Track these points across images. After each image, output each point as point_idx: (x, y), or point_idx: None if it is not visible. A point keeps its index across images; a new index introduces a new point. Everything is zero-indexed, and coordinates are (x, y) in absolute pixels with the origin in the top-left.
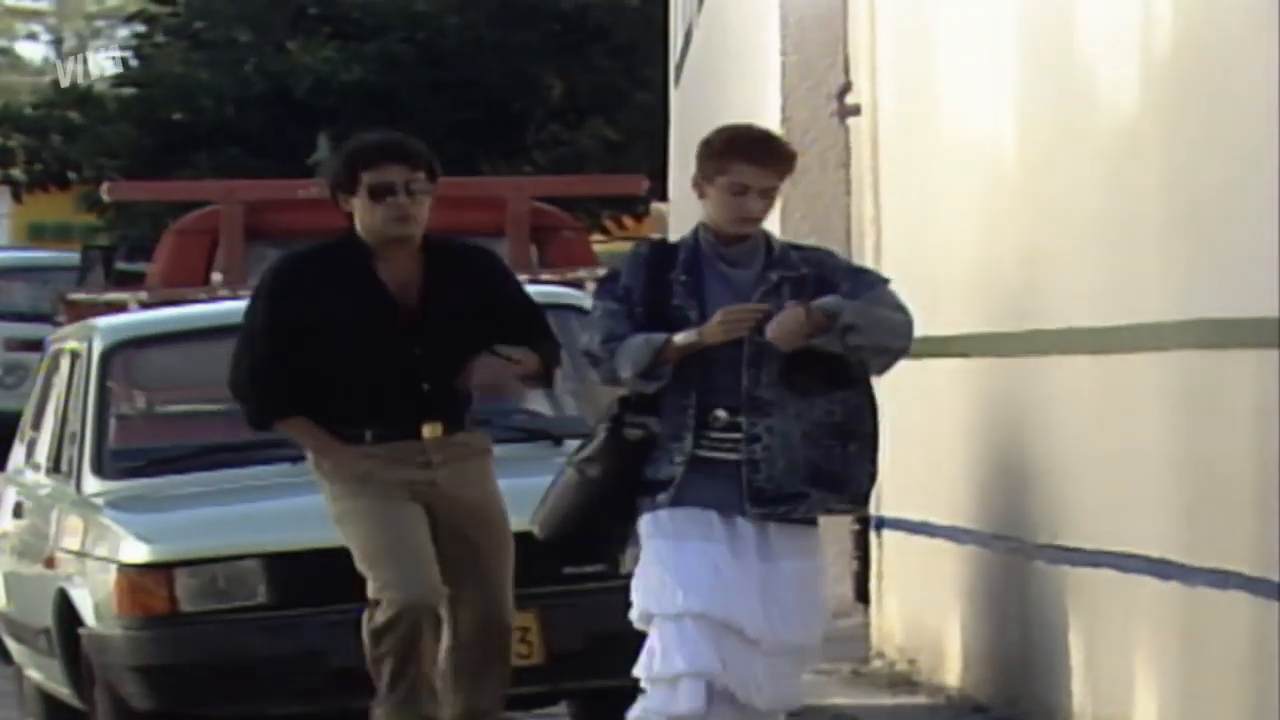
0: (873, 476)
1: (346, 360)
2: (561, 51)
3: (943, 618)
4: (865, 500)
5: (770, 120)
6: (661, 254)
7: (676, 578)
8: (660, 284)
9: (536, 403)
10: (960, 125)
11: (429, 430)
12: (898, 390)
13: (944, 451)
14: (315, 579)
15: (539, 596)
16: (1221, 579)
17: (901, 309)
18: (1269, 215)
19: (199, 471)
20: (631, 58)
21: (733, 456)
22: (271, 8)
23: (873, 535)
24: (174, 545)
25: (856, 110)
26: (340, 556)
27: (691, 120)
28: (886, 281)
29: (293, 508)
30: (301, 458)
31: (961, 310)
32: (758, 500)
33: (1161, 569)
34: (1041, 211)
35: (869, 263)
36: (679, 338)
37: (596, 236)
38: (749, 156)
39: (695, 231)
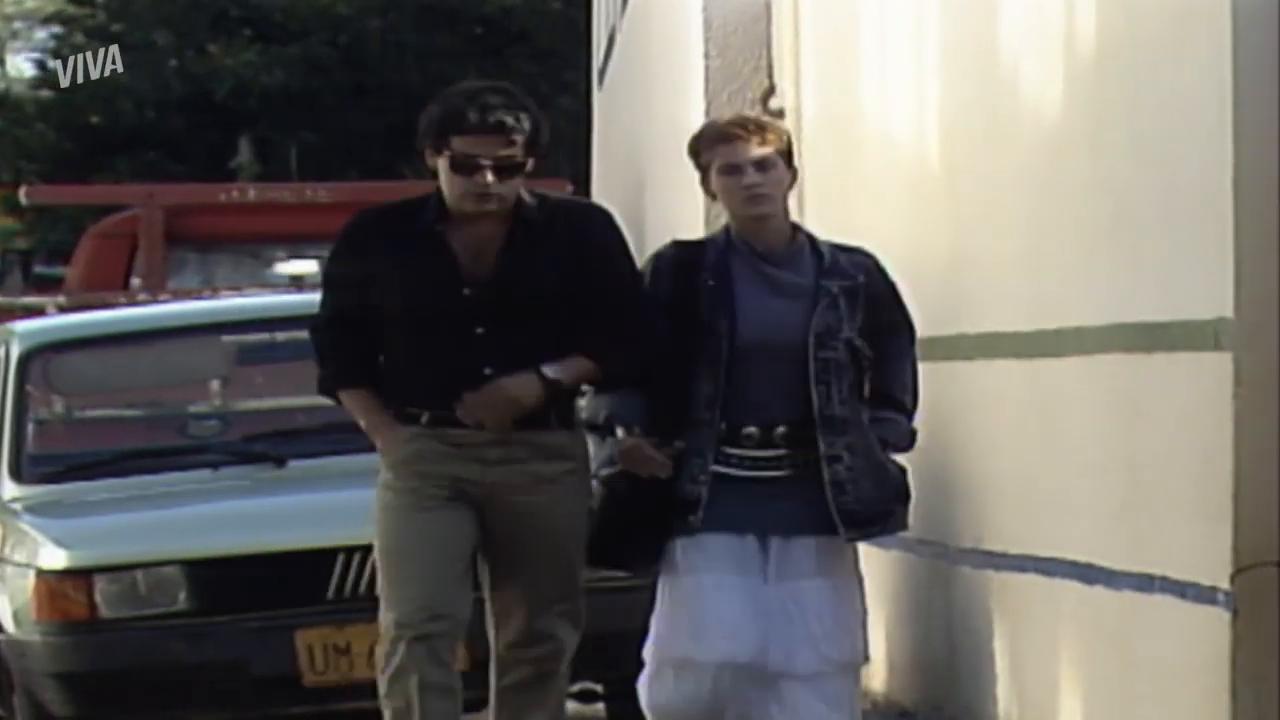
0: None
1: (403, 332)
2: (484, 55)
3: (868, 623)
4: None
5: (694, 124)
6: (689, 255)
7: (704, 620)
8: (688, 289)
9: None
10: (884, 129)
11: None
12: None
13: None
14: (237, 586)
15: None
16: (1147, 583)
17: (913, 367)
18: (1194, 218)
19: (119, 477)
20: (554, 61)
21: (772, 473)
22: (192, 10)
23: None
24: (93, 551)
25: (780, 114)
26: (262, 563)
27: (615, 124)
28: (910, 335)
29: (214, 513)
30: (225, 463)
31: None
32: (851, 523)
33: (1086, 573)
34: (965, 215)
35: None
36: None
37: None
38: (724, 136)
39: (725, 229)
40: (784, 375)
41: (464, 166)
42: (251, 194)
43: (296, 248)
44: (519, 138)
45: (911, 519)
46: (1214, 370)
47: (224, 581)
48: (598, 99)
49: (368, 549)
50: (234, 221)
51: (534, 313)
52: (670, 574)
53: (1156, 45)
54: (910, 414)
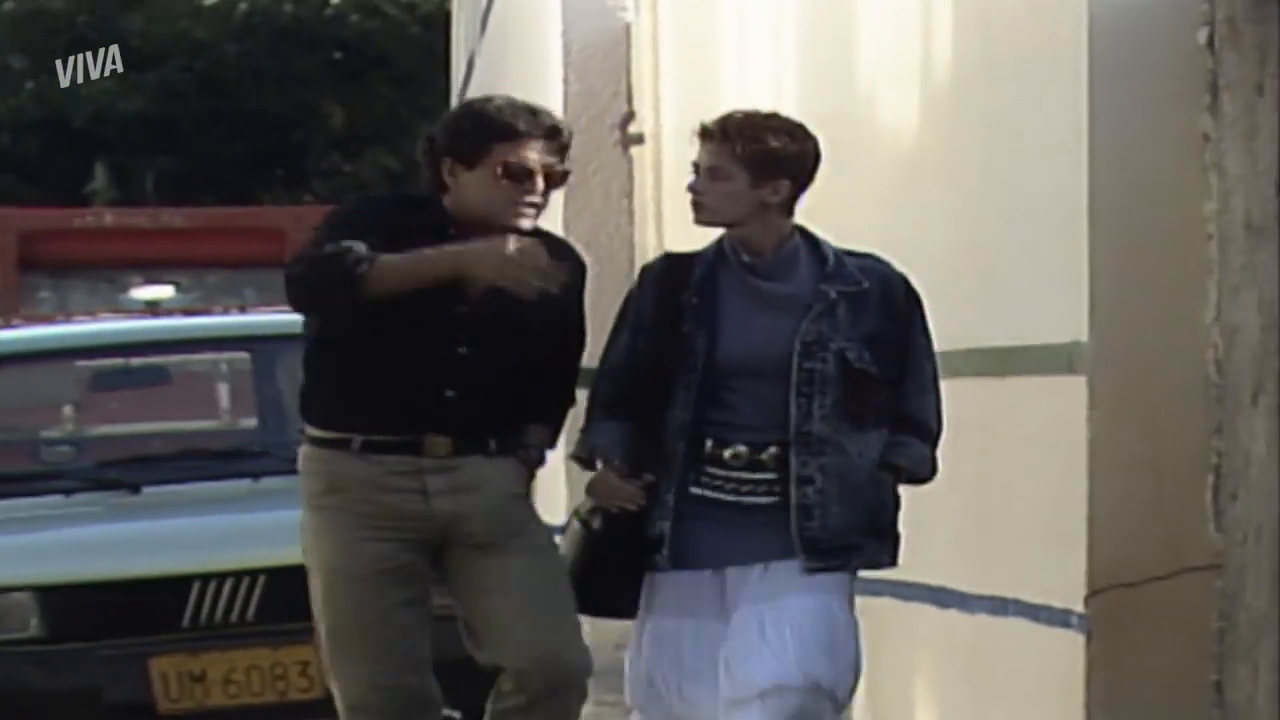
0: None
1: (367, 341)
2: (342, 80)
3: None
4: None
5: None
6: (676, 269)
7: (655, 673)
8: (670, 306)
9: None
10: None
11: (431, 445)
12: None
13: None
14: (91, 612)
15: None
16: (1001, 606)
17: (936, 394)
18: (1049, 243)
19: None
20: (413, 86)
21: (757, 500)
22: (50, 35)
23: None
24: None
25: (640, 139)
26: (116, 590)
27: None
28: (930, 354)
29: (68, 539)
30: (78, 489)
31: None
32: (813, 552)
33: (941, 597)
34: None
35: None
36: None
37: None
38: (700, 136)
39: (719, 240)
40: (771, 393)
41: (517, 174)
42: (107, 219)
43: (152, 273)
44: (567, 141)
45: None
46: (1068, 394)
47: (78, 608)
48: None
49: (223, 576)
50: (89, 246)
51: (519, 342)
52: (641, 611)
53: (1013, 71)
54: (931, 440)
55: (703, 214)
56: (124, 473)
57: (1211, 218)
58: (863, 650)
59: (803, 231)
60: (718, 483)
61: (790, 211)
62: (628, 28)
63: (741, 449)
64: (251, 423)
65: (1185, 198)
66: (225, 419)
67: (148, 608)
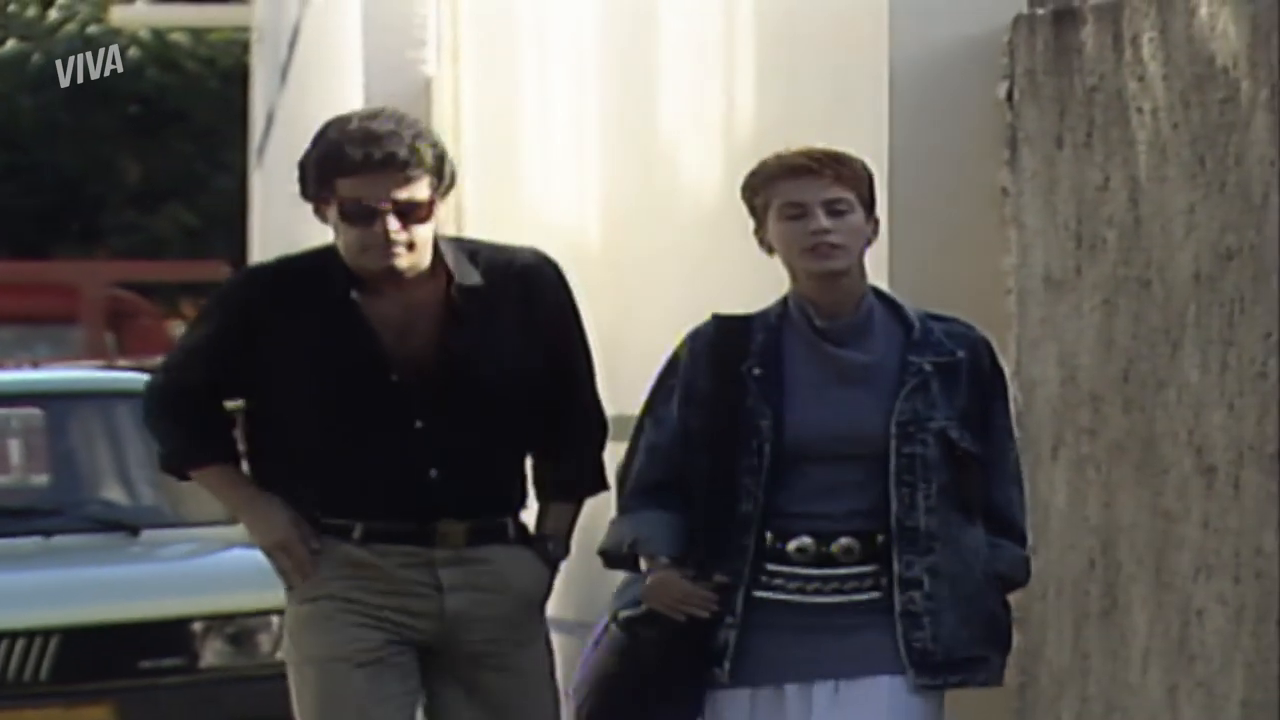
0: None
1: (318, 424)
2: (139, 134)
3: None
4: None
5: None
6: (731, 333)
7: None
8: (731, 380)
9: (112, 489)
10: (544, 206)
11: (445, 534)
12: None
13: None
14: None
15: (116, 690)
16: None
17: (1019, 477)
18: None
19: None
20: (211, 140)
21: (830, 600)
22: None
23: None
24: None
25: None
26: None
27: (274, 204)
28: (1013, 434)
29: None
30: None
31: None
32: (924, 667)
33: None
34: (626, 294)
35: None
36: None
37: (175, 322)
38: (789, 170)
39: (784, 301)
40: (853, 478)
41: (357, 214)
42: None
43: None
44: (418, 173)
45: (579, 601)
46: None
47: None
48: (256, 178)
49: (15, 635)
50: None
51: (487, 402)
52: None
53: (814, 125)
54: (1021, 538)
55: (837, 258)
56: None
57: (1011, 271)
58: None
59: (876, 291)
60: (778, 581)
61: None
62: (428, 81)
63: (807, 541)
64: (43, 480)
65: (984, 252)
66: (16, 475)
67: None
